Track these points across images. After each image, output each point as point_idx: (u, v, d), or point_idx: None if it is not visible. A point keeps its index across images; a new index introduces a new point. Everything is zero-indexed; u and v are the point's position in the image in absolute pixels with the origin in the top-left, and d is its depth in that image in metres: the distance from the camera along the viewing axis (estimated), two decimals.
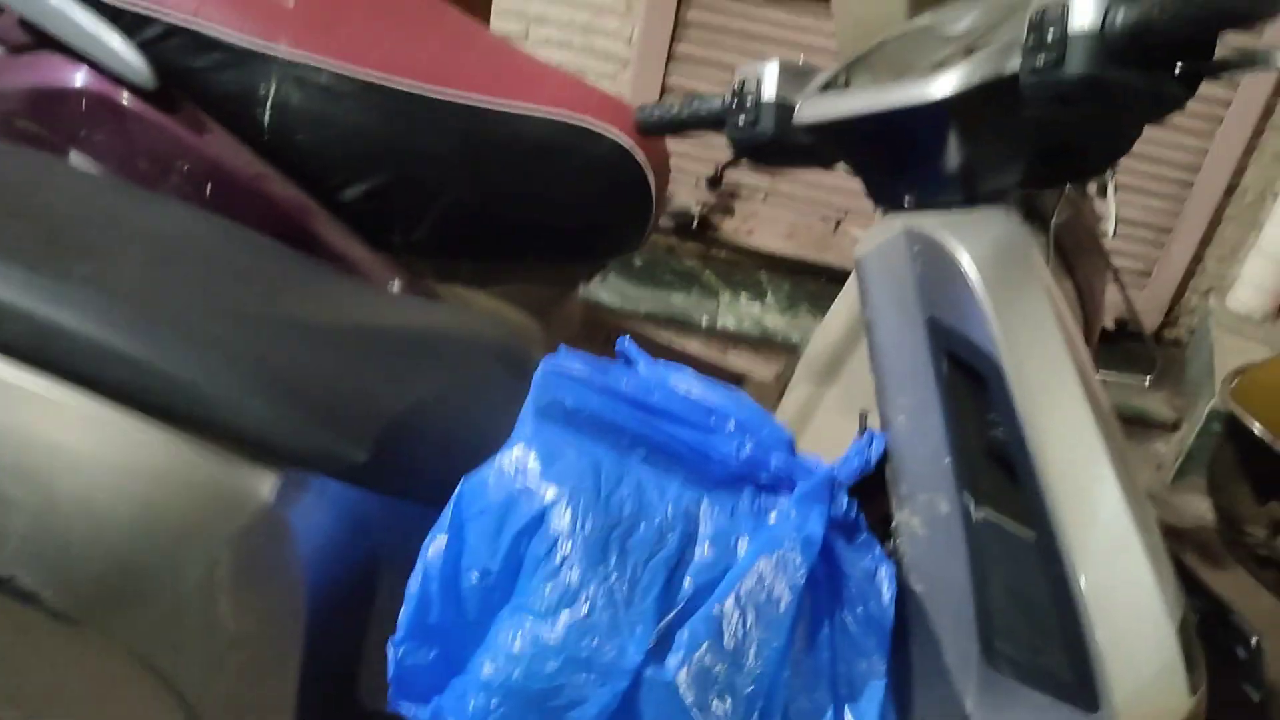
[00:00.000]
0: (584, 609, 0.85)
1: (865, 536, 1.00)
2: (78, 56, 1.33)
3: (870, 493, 1.00)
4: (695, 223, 2.76)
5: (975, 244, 0.90)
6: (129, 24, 1.32)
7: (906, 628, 0.98)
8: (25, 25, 1.35)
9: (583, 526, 0.87)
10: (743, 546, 0.92)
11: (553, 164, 1.42)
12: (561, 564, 0.86)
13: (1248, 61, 0.80)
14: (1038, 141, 0.92)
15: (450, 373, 1.03)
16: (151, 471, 0.88)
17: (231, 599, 0.92)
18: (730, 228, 2.78)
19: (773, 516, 0.98)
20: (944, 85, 0.87)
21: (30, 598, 0.87)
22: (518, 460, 0.91)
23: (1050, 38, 0.78)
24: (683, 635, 0.88)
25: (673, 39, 2.59)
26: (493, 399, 1.01)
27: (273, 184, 1.37)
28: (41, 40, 1.35)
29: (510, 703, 0.85)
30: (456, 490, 0.90)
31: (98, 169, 1.35)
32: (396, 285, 1.43)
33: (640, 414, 1.00)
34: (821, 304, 2.14)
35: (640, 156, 1.45)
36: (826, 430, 1.27)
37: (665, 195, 1.56)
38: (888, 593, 0.97)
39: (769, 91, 1.05)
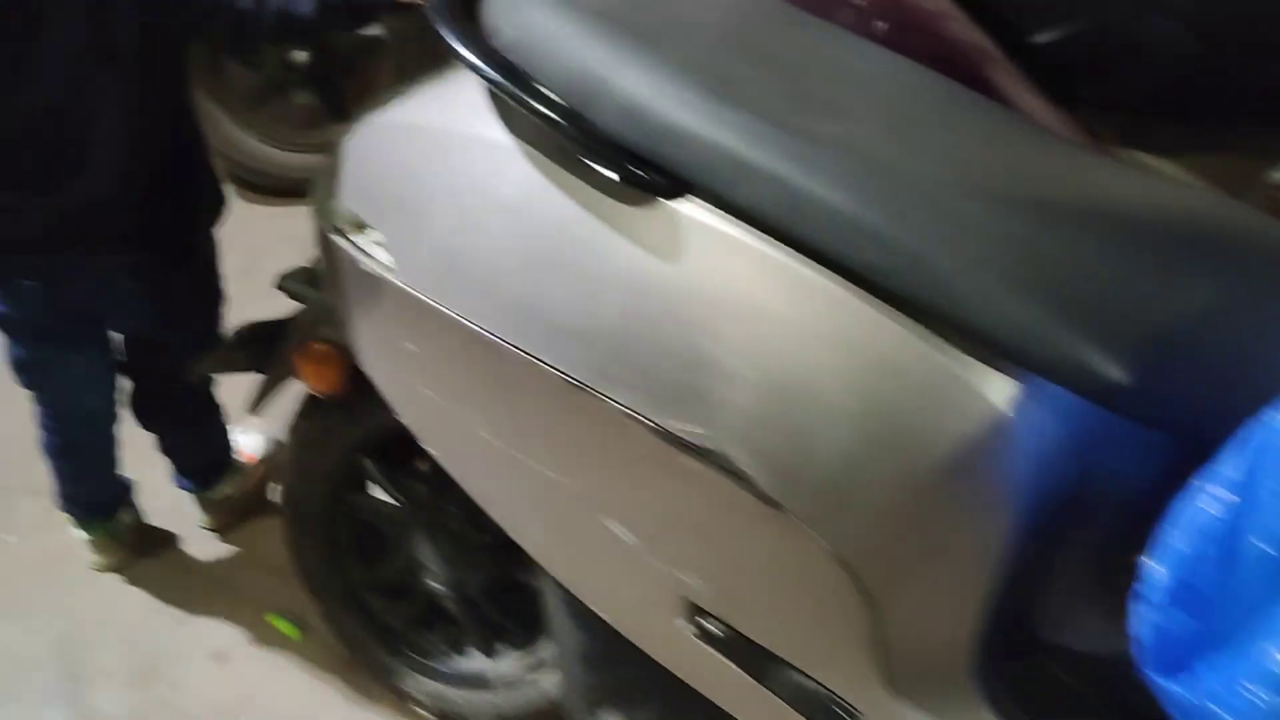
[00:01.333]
0: None
1: None
2: None
3: None
4: None
5: None
6: None
7: None
8: None
9: None
10: None
11: None
12: None
13: None
14: None
15: (1233, 280, 0.82)
16: (885, 363, 0.78)
17: (941, 507, 0.82)
18: None
19: None
20: None
21: (739, 476, 0.82)
22: None
23: None
24: None
25: None
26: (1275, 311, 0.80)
27: (953, 24, 1.20)
28: None
29: None
30: (1246, 436, 0.72)
31: None
32: None
33: None
34: None
35: None
36: None
37: None
38: None
39: None
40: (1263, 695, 0.70)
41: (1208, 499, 0.72)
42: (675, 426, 0.83)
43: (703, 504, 0.87)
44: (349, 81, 2.15)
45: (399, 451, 1.30)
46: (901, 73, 0.97)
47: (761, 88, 0.83)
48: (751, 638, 0.89)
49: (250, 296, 2.01)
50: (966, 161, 0.85)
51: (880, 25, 1.21)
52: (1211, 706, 0.71)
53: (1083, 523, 0.88)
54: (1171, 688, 0.75)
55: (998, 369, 0.77)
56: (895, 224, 0.76)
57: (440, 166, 0.92)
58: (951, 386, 0.78)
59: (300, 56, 2.06)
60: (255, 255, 2.11)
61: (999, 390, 0.77)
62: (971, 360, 0.77)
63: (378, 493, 1.36)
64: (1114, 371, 0.76)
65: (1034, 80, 1.22)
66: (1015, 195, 0.82)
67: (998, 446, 0.79)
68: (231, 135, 2.16)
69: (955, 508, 0.82)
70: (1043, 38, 1.18)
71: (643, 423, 0.84)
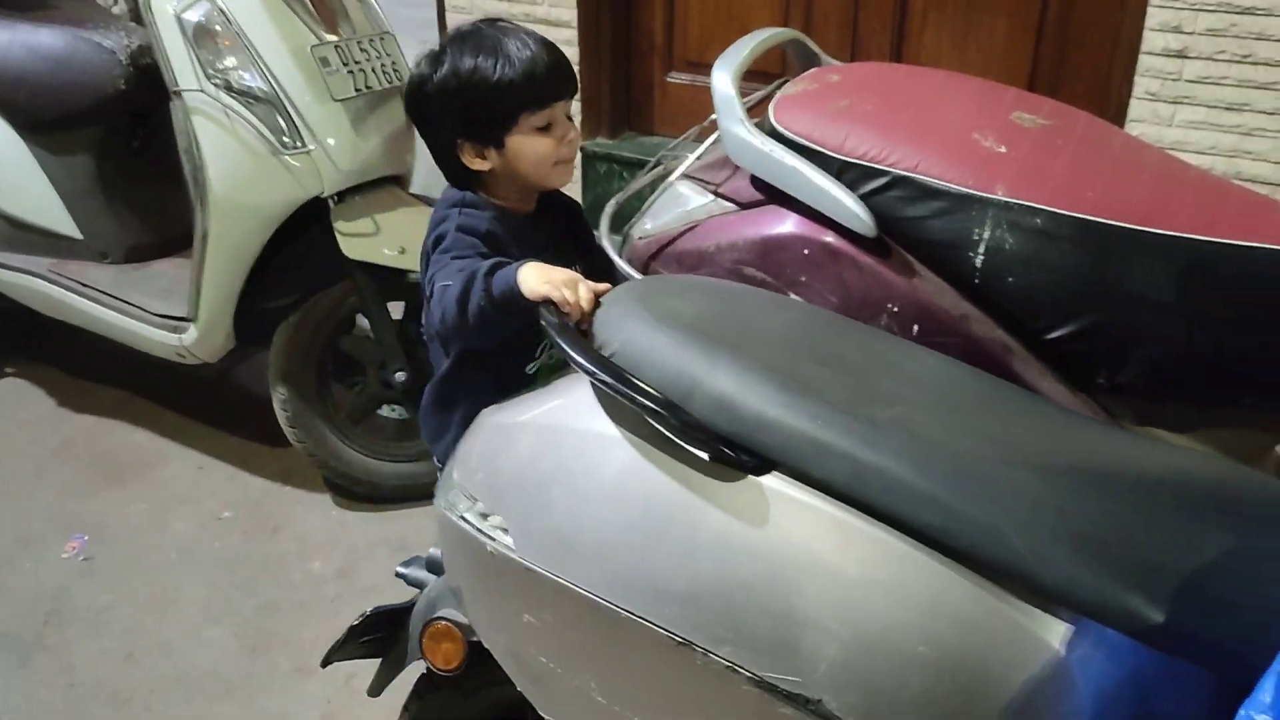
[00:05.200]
0: None
1: None
2: (803, 210, 1.48)
3: None
4: None
5: None
6: (854, 178, 1.44)
7: None
8: (756, 183, 1.53)
9: None
10: None
11: None
12: None
13: None
14: None
15: (1244, 530, 0.96)
16: (952, 613, 0.91)
17: None
18: None
19: None
20: None
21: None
22: None
23: None
24: None
25: None
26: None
27: (977, 325, 1.40)
28: (770, 197, 1.52)
29: None
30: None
31: None
32: None
33: None
34: None
35: None
36: None
37: None
38: None
39: None
40: None
41: None
42: (773, 677, 0.95)
43: None
44: None
45: None
46: (945, 367, 1.15)
47: (828, 382, 1.01)
48: None
49: (350, 594, 2.16)
50: (1007, 437, 1.01)
51: (915, 328, 1.42)
52: None
53: None
54: None
55: (1053, 614, 0.90)
56: (952, 491, 0.91)
57: (555, 456, 1.09)
58: (1014, 633, 0.90)
59: (399, 376, 2.30)
60: (354, 557, 2.28)
61: (1057, 634, 0.90)
62: (1029, 608, 0.90)
63: None
64: (1151, 611, 0.88)
65: (1053, 370, 1.40)
66: (1052, 464, 0.97)
67: (1060, 685, 0.91)
68: (333, 446, 2.38)
69: None
70: (1055, 334, 1.37)
71: (744, 674, 0.96)
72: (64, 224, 2.62)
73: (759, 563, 0.96)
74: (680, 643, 0.98)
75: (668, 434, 0.99)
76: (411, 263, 2.19)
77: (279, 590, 2.19)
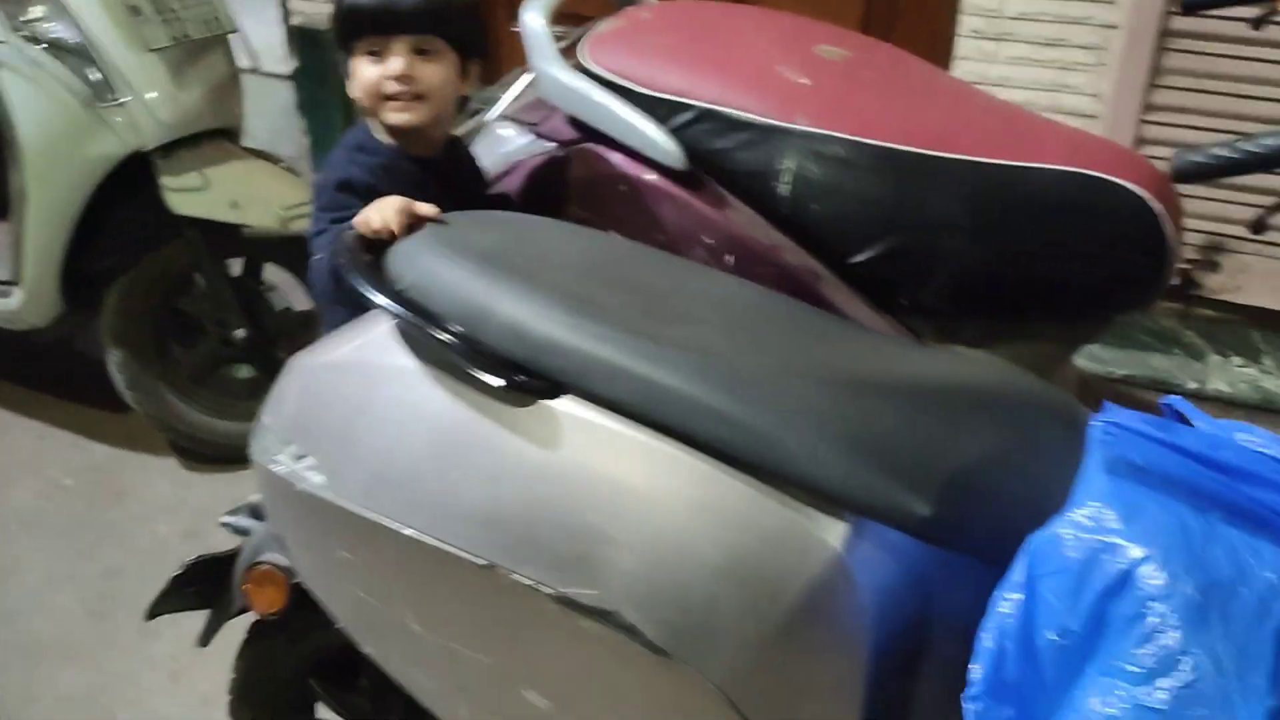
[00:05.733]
0: (1189, 675, 0.80)
1: None
2: (617, 147, 1.50)
3: None
4: (1177, 278, 2.56)
5: None
6: (663, 113, 1.46)
7: None
8: (574, 122, 1.55)
9: (1178, 588, 0.83)
10: None
11: (1063, 219, 1.39)
12: (1157, 626, 0.82)
13: None
14: None
15: (1006, 428, 1.02)
16: (736, 519, 0.95)
17: (803, 641, 0.97)
18: (1216, 283, 2.56)
19: None
20: None
21: (631, 631, 0.96)
22: (1094, 517, 0.88)
23: None
24: None
25: (1149, 87, 2.46)
26: (1048, 456, 0.99)
27: (787, 254, 1.44)
28: (588, 136, 1.53)
29: None
30: (1026, 547, 0.89)
31: None
32: None
33: (1212, 473, 0.94)
34: None
35: (1158, 208, 1.38)
36: None
37: (1179, 251, 1.47)
38: None
39: None
40: None
41: (1004, 602, 0.89)
42: (572, 592, 0.98)
43: (603, 662, 1.01)
44: (286, 352, 2.35)
45: (342, 670, 1.41)
46: (744, 291, 1.19)
47: (620, 305, 1.04)
48: None
49: (150, 547, 2.13)
50: (794, 353, 1.05)
51: (729, 259, 1.46)
52: None
53: (932, 645, 1.04)
54: None
55: (834, 515, 0.95)
56: (733, 403, 0.95)
57: (359, 392, 1.10)
58: (796, 535, 0.95)
59: (239, 334, 2.26)
60: (201, 519, 2.24)
61: (837, 534, 0.95)
62: (811, 510, 0.95)
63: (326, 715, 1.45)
64: (921, 507, 0.94)
65: (861, 294, 1.46)
66: (835, 375, 1.02)
67: (841, 583, 0.96)
68: (176, 408, 2.33)
69: (810, 643, 0.97)
70: (858, 258, 1.42)
71: (546, 592, 0.99)
72: None
73: (555, 484, 0.99)
74: (485, 566, 1.01)
75: (461, 364, 1.01)
76: (245, 217, 2.15)
77: (124, 555, 2.15)
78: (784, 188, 1.42)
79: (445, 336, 1.00)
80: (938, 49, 2.66)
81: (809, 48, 1.54)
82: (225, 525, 1.39)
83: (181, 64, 2.14)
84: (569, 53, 1.58)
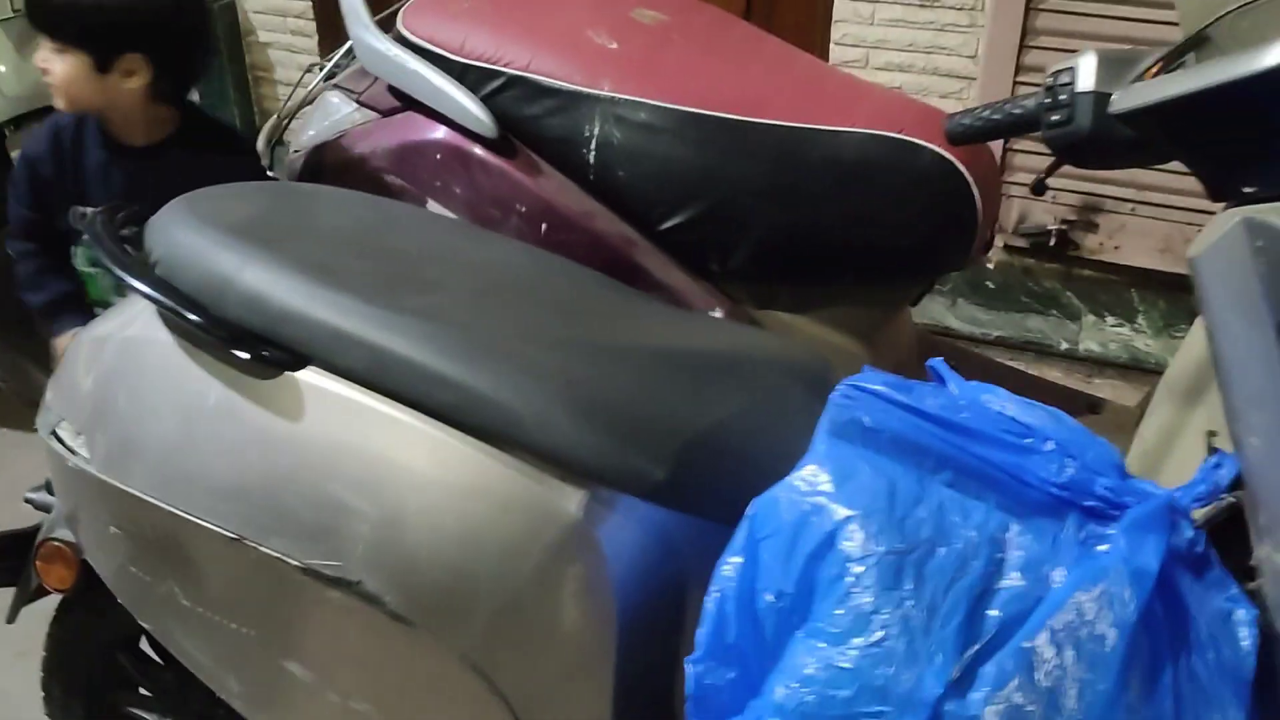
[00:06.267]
0: (878, 635, 0.81)
1: (1217, 573, 0.89)
2: (434, 115, 1.48)
3: (1233, 531, 0.88)
4: (1053, 239, 2.58)
5: None
6: (474, 80, 1.45)
7: (1275, 680, 0.85)
8: (394, 90, 1.53)
9: (874, 549, 0.84)
10: (1058, 577, 0.84)
11: (869, 182, 1.39)
12: (853, 587, 0.83)
13: None
14: None
15: (749, 393, 1.03)
16: (474, 488, 0.95)
17: (547, 609, 0.97)
18: (1093, 243, 2.57)
19: (1104, 547, 0.89)
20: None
21: (374, 600, 0.96)
22: (810, 479, 0.88)
23: None
24: (988, 670, 0.82)
25: (1020, 49, 2.46)
26: (792, 419, 1.00)
27: (600, 221, 1.44)
28: (407, 104, 1.52)
29: None
30: (749, 510, 0.90)
31: (449, 215, 1.49)
32: (718, 313, 1.45)
33: (948, 434, 0.94)
34: None
35: (963, 169, 1.38)
36: (1191, 460, 1.14)
37: (995, 210, 1.48)
38: (1247, 638, 0.84)
39: (1085, 83, 0.97)
40: None
41: (727, 565, 0.90)
42: (316, 564, 0.98)
43: (355, 633, 1.01)
44: None
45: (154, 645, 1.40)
46: (515, 258, 1.18)
47: (366, 273, 1.03)
48: None
49: (16, 523, 2.10)
50: (537, 319, 1.05)
51: (544, 226, 1.45)
52: None
53: (690, 608, 1.04)
54: None
55: (573, 483, 0.95)
56: (463, 370, 0.94)
57: (121, 366, 1.09)
58: (534, 502, 0.95)
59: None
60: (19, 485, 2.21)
61: (576, 500, 0.95)
62: (549, 478, 0.95)
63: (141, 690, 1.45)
64: (656, 472, 0.94)
65: (677, 260, 1.46)
66: (577, 342, 1.02)
67: (582, 548, 0.96)
68: (43, 384, 2.30)
69: (555, 609, 0.98)
70: (667, 224, 1.42)
71: (292, 564, 0.99)
72: None
73: (298, 454, 0.98)
74: (234, 538, 1.00)
75: (203, 337, 1.00)
76: None
77: None
78: (591, 155, 1.41)
79: (180, 308, 0.99)
80: (815, 12, 2.65)
81: (626, 11, 1.53)
82: (29, 501, 1.38)
83: (30, 35, 2.09)
84: (394, 19, 1.56)
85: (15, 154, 2.04)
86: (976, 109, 1.11)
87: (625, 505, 0.98)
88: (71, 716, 1.46)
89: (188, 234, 1.05)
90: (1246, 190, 0.86)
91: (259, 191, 1.22)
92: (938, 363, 1.06)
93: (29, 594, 1.36)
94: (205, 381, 1.02)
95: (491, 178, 1.46)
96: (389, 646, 1.00)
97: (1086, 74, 0.97)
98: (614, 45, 1.44)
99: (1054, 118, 0.98)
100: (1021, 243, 2.64)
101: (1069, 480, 0.91)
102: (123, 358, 1.09)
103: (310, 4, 2.99)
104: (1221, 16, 0.94)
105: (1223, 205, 0.90)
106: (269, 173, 1.59)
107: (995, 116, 1.09)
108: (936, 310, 2.51)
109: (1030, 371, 2.22)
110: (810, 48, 2.66)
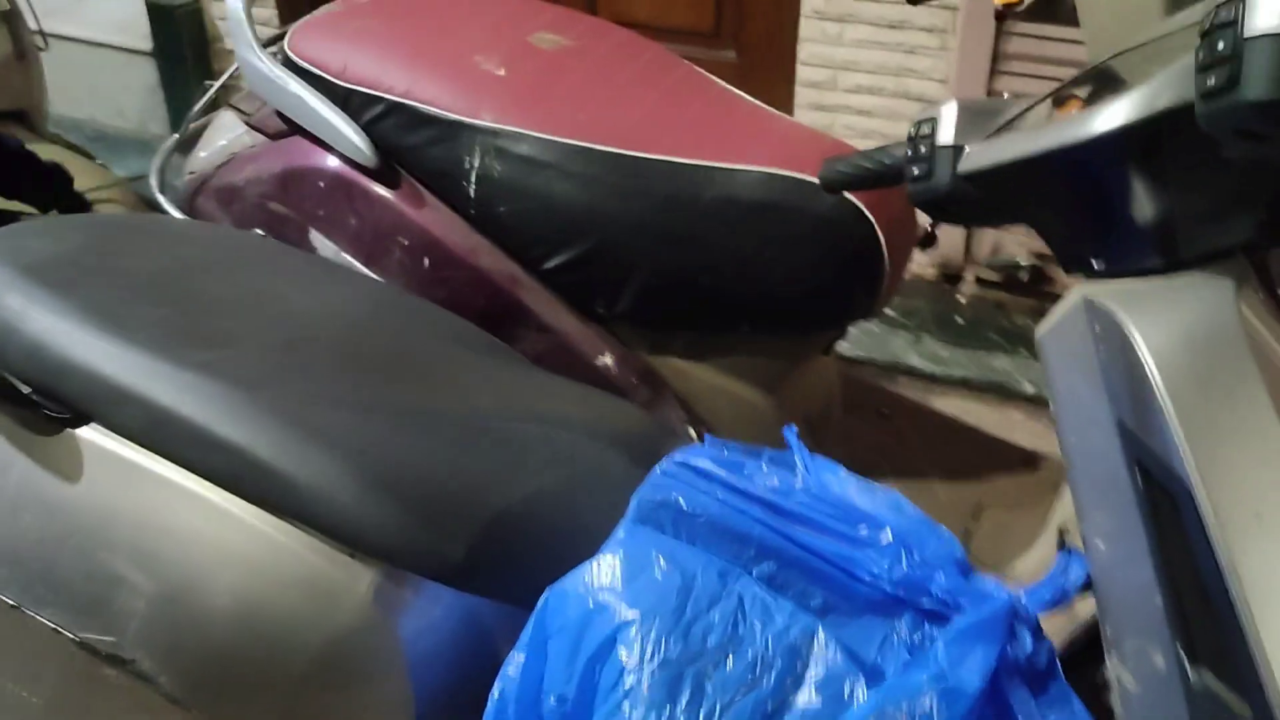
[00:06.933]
0: None
1: (1059, 687, 0.80)
2: (321, 143, 1.41)
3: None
4: (1026, 275, 2.47)
5: (1160, 326, 0.68)
6: (357, 106, 1.37)
7: None
8: (280, 114, 1.46)
9: (652, 657, 0.75)
10: (860, 695, 0.75)
11: (766, 224, 1.29)
12: (624, 699, 0.74)
13: None
14: (1269, 185, 0.68)
15: (568, 465, 0.94)
16: (253, 563, 0.87)
17: (336, 695, 0.89)
18: (1068, 281, 2.45)
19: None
20: (1110, 117, 0.67)
21: (149, 680, 0.89)
22: (602, 571, 0.80)
23: (1222, 48, 0.56)
24: None
25: (991, 74, 2.35)
26: (612, 495, 0.91)
27: (485, 258, 1.36)
28: (294, 129, 1.44)
29: None
30: (540, 601, 0.81)
31: (331, 246, 1.41)
32: (608, 358, 1.37)
33: (774, 519, 0.86)
34: None
35: (868, 212, 1.29)
36: (1052, 552, 1.04)
37: (905, 256, 1.38)
38: None
39: (945, 136, 0.87)
40: None
41: (511, 664, 0.81)
42: (91, 639, 0.90)
43: (133, 713, 0.93)
44: None
45: None
46: (347, 301, 1.08)
47: (161, 323, 0.95)
48: None
49: None
50: (346, 378, 0.96)
51: (426, 261, 1.37)
52: None
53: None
54: None
55: (363, 560, 0.87)
56: (239, 432, 0.86)
57: None
58: (317, 581, 0.87)
59: None
60: None
61: (365, 580, 0.87)
62: (337, 555, 0.87)
63: None
64: (448, 552, 0.86)
65: (565, 301, 1.37)
66: (379, 404, 0.93)
67: (372, 632, 0.88)
68: None
69: (346, 695, 0.89)
70: (550, 263, 1.33)
71: (67, 636, 0.91)
72: None
73: (73, 518, 0.91)
74: (12, 606, 0.93)
75: None
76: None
77: None
78: (472, 188, 1.33)
79: None
80: (784, 31, 2.56)
81: (526, 35, 1.45)
82: None
83: None
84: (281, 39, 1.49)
85: None
86: (856, 155, 1.02)
87: (426, 586, 0.90)
88: None
89: None
90: (1095, 263, 0.77)
91: (75, 227, 1.14)
92: (790, 432, 0.97)
93: None
94: None
95: (374, 209, 1.38)
96: None
97: (947, 126, 0.87)
98: (501, 72, 1.36)
99: (915, 171, 0.89)
100: (995, 276, 2.53)
101: (902, 578, 0.83)
102: None
103: (275, 11, 2.93)
104: (1123, 53, 0.84)
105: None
106: (159, 196, 1.52)
107: (867, 165, 0.99)
108: (898, 346, 2.40)
109: (982, 428, 2.09)
110: (776, 68, 2.60)
